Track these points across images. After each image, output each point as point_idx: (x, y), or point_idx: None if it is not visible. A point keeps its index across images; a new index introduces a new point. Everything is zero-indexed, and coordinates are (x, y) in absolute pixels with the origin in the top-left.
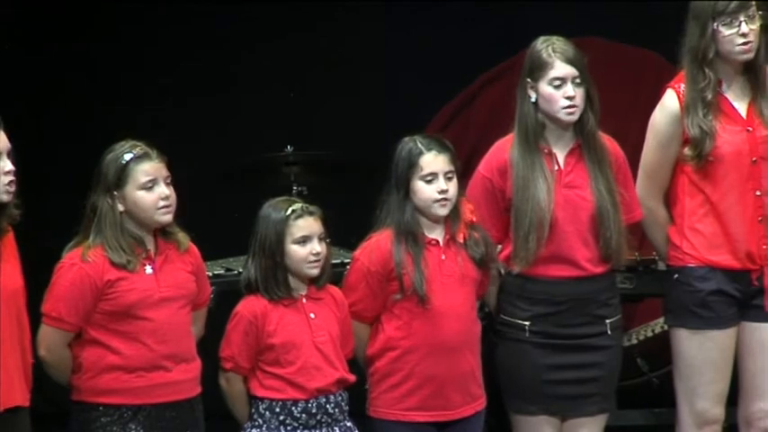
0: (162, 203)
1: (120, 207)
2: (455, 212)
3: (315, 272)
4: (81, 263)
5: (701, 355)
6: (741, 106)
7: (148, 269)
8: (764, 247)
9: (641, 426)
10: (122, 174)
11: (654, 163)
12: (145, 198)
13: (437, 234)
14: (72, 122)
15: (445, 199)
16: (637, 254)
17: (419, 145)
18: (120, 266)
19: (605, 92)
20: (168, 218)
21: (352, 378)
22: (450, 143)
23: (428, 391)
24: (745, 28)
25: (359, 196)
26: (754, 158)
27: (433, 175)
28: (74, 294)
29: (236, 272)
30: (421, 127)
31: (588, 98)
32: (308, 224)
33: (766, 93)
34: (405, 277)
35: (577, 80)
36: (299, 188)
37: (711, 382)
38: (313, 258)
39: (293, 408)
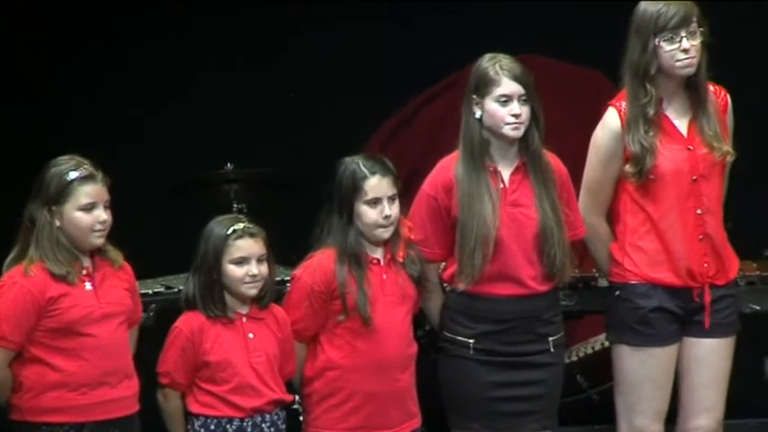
0: (98, 227)
1: (57, 222)
2: (395, 232)
3: (252, 293)
4: (23, 280)
5: (642, 372)
6: (682, 124)
7: (88, 285)
8: (705, 265)
9: None
10: (64, 191)
11: (595, 180)
12: (82, 219)
13: (379, 254)
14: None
15: (389, 223)
16: (577, 271)
17: (363, 168)
18: (60, 278)
19: (547, 109)
20: (101, 241)
21: (289, 398)
22: (391, 163)
23: (369, 410)
24: (686, 44)
25: (299, 213)
26: (694, 177)
27: (377, 200)
28: (17, 312)
29: (175, 289)
30: (360, 143)
31: (534, 116)
32: (248, 245)
33: (707, 110)
34: (348, 297)
35: (524, 98)
36: (239, 205)
37: (651, 399)
38: (249, 280)
39: (228, 426)
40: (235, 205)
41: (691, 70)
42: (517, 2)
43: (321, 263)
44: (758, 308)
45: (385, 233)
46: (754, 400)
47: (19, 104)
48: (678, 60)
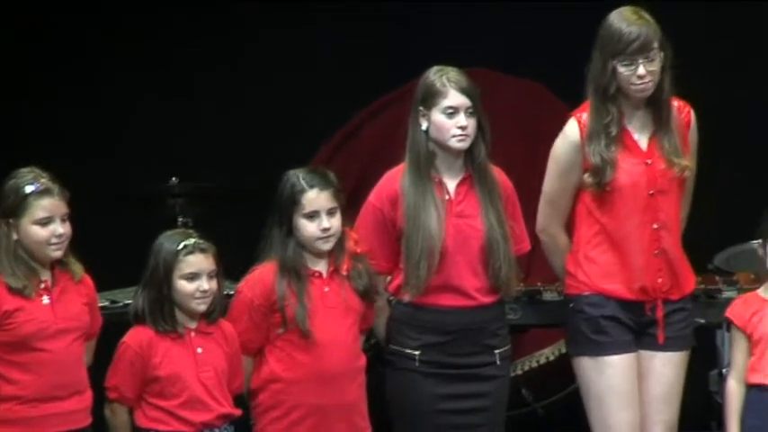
0: (54, 240)
1: (15, 236)
2: (339, 244)
3: (202, 308)
4: None
5: (603, 382)
6: (642, 139)
7: (45, 299)
8: (660, 280)
9: None
10: (20, 204)
11: (555, 191)
12: (38, 233)
13: (321, 266)
14: None
15: (328, 236)
16: (522, 284)
17: (301, 182)
18: (17, 292)
19: (492, 122)
20: (58, 254)
21: (237, 412)
22: (334, 176)
23: (313, 423)
24: (642, 70)
25: (244, 227)
26: (651, 191)
27: (314, 213)
28: None
29: (120, 304)
30: (307, 156)
31: (480, 129)
32: (198, 261)
33: (669, 127)
34: (287, 311)
35: (470, 110)
36: (185, 219)
37: (619, 410)
38: (200, 295)
39: None
40: (180, 219)
41: (646, 94)
42: (464, 19)
43: (261, 276)
44: (703, 321)
45: (324, 245)
46: (699, 413)
47: None
48: (633, 84)
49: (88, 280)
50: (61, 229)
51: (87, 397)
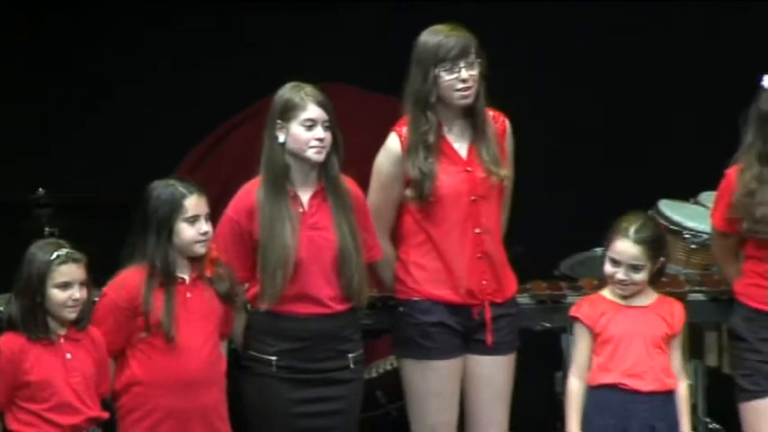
0: None
1: None
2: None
3: (72, 316)
4: None
5: (426, 385)
6: (462, 147)
7: None
8: (484, 282)
9: None
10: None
11: (378, 203)
12: None
13: (184, 272)
14: None
15: (206, 239)
16: (375, 291)
17: (180, 188)
18: None
19: (346, 135)
20: None
21: (105, 415)
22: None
23: (172, 426)
24: (464, 74)
25: (108, 236)
26: (473, 197)
27: (195, 217)
28: None
29: None
30: (170, 167)
31: (334, 142)
32: (71, 270)
33: (486, 135)
34: (151, 315)
35: (326, 124)
36: (51, 229)
37: (438, 411)
38: (72, 303)
39: None
40: (47, 229)
41: (469, 100)
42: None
43: (126, 280)
44: (549, 325)
45: (202, 249)
46: (545, 414)
47: None
48: (457, 90)
49: None
50: None
51: None
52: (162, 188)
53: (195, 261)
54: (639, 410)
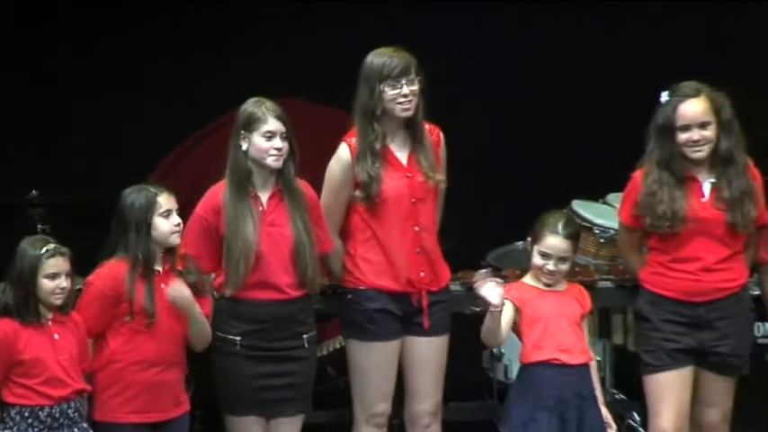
0: None
1: None
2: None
3: (59, 302)
4: None
5: (369, 363)
6: (403, 156)
7: None
8: (422, 273)
9: (332, 423)
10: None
11: (329, 203)
12: None
13: (158, 265)
14: None
15: (179, 230)
16: (326, 280)
17: (152, 189)
18: None
19: (301, 144)
20: None
21: (88, 387)
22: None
23: (145, 398)
24: (406, 90)
25: (92, 232)
26: (413, 200)
27: (168, 211)
28: None
29: None
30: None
31: (290, 150)
32: (59, 263)
33: (424, 145)
34: (135, 302)
35: (284, 135)
36: (43, 227)
37: (377, 385)
38: (59, 291)
39: (40, 412)
40: (39, 226)
41: (410, 112)
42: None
43: (111, 271)
44: (477, 309)
45: (177, 238)
46: (473, 385)
47: None
48: (398, 103)
49: None
50: None
51: None
52: (136, 192)
53: (168, 255)
54: (571, 381)
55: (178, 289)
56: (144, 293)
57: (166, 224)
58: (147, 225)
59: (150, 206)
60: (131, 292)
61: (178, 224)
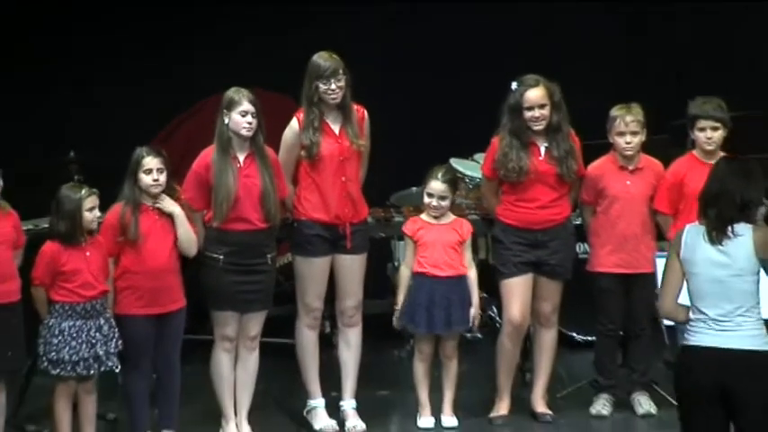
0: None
1: None
2: (170, 192)
3: (94, 227)
4: None
5: (307, 272)
6: (336, 127)
7: None
8: (346, 210)
9: (284, 315)
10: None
11: (285, 160)
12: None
13: (148, 202)
14: None
15: (157, 184)
16: (289, 215)
17: (143, 152)
18: None
19: (264, 121)
20: None
21: (109, 289)
22: (163, 152)
23: (150, 297)
24: (334, 86)
25: (106, 180)
26: (341, 158)
27: (149, 170)
28: None
29: (41, 227)
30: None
31: (259, 125)
32: (93, 200)
33: (351, 121)
34: (127, 229)
35: (254, 113)
36: (78, 177)
37: (314, 288)
38: (92, 218)
39: (76, 306)
40: (76, 177)
41: (336, 101)
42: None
43: (116, 209)
44: (384, 235)
45: (155, 190)
46: (382, 288)
47: None
48: (328, 95)
49: (13, 212)
50: None
51: (17, 282)
52: (135, 153)
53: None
54: (440, 289)
55: (166, 200)
56: (131, 223)
57: (147, 179)
58: (134, 178)
59: (137, 163)
60: (123, 219)
61: (156, 179)
